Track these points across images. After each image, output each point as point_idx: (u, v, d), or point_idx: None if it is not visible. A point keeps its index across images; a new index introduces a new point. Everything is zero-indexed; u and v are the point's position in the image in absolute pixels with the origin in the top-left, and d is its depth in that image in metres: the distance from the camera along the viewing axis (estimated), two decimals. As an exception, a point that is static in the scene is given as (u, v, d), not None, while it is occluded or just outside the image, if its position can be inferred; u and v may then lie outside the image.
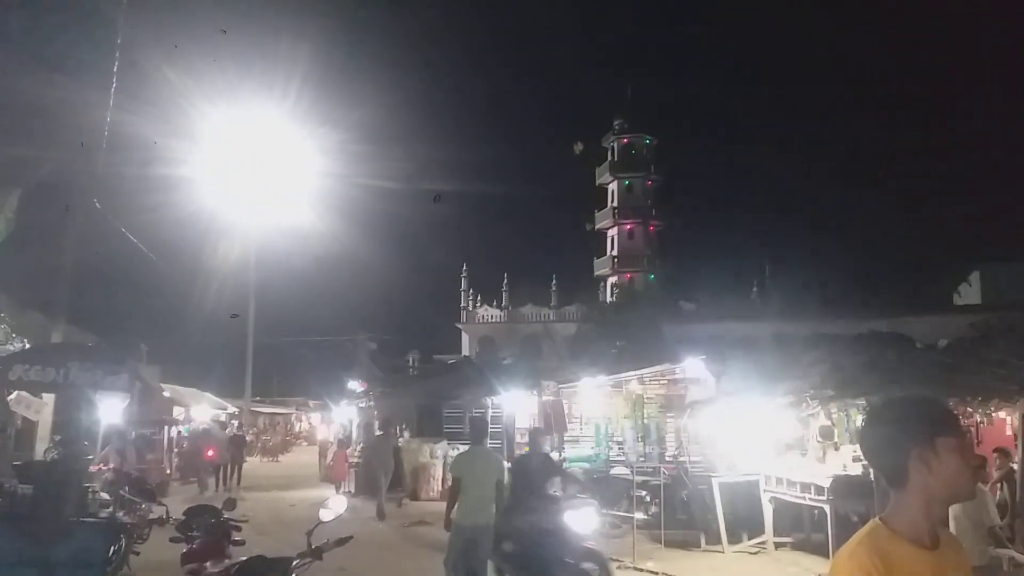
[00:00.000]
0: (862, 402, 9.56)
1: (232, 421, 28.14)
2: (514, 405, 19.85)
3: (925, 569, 2.13)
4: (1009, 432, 12.04)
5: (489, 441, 9.21)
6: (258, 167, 29.74)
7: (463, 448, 10.26)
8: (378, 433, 18.24)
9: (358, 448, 22.91)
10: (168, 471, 21.66)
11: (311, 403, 46.09)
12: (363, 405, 25.93)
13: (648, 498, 13.27)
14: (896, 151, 78.50)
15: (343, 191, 32.35)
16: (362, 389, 28.35)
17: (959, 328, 13.66)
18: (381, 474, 16.05)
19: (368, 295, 56.33)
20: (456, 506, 7.54)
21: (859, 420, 10.44)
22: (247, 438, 27.44)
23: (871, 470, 9.83)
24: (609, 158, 59.00)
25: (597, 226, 59.58)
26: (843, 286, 34.45)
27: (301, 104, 30.06)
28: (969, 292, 29.57)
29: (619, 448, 16.96)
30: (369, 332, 44.57)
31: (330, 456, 23.61)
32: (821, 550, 10.97)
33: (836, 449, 11.58)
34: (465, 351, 53.65)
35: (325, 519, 5.35)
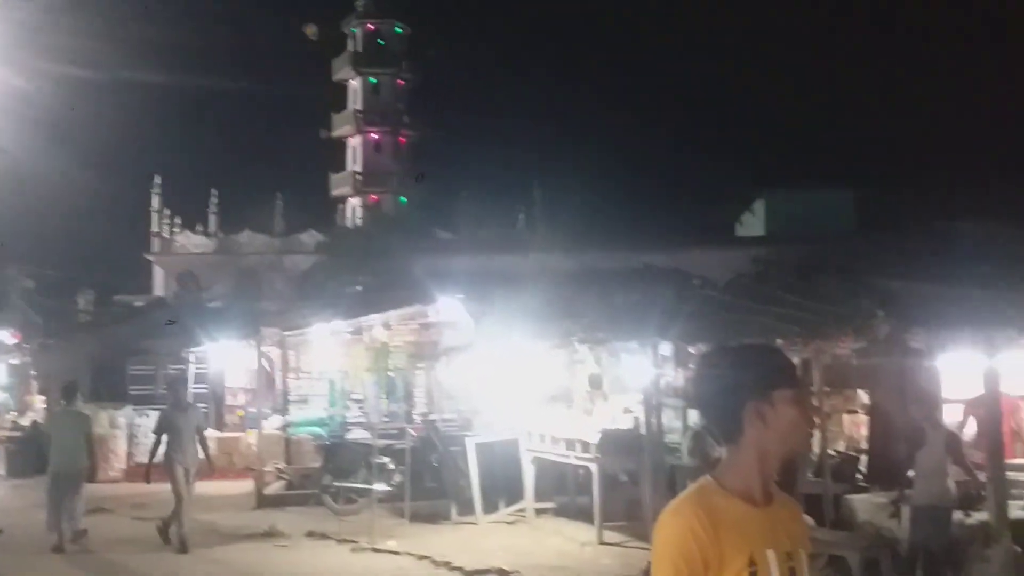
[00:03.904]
0: (634, 345, 10.38)
1: None
2: (225, 359, 19.39)
3: (754, 526, 2.41)
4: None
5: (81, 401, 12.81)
6: None
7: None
8: (166, 405, 12.76)
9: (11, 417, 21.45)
10: None
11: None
12: (16, 361, 24.22)
13: (392, 466, 13.61)
14: (679, 71, 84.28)
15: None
16: (15, 341, 26.29)
17: (741, 262, 15.16)
18: (180, 471, 11.41)
19: (22, 215, 51.62)
20: (50, 455, 11.59)
21: (631, 366, 11.34)
22: None
23: (642, 425, 10.77)
24: (350, 48, 58.03)
25: (335, 133, 58.71)
26: (620, 216, 36.81)
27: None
28: (752, 222, 32.70)
29: (359, 408, 17.20)
30: (23, 265, 40.95)
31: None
32: (586, 515, 11.89)
33: (605, 400, 12.51)
34: (158, 291, 51.20)
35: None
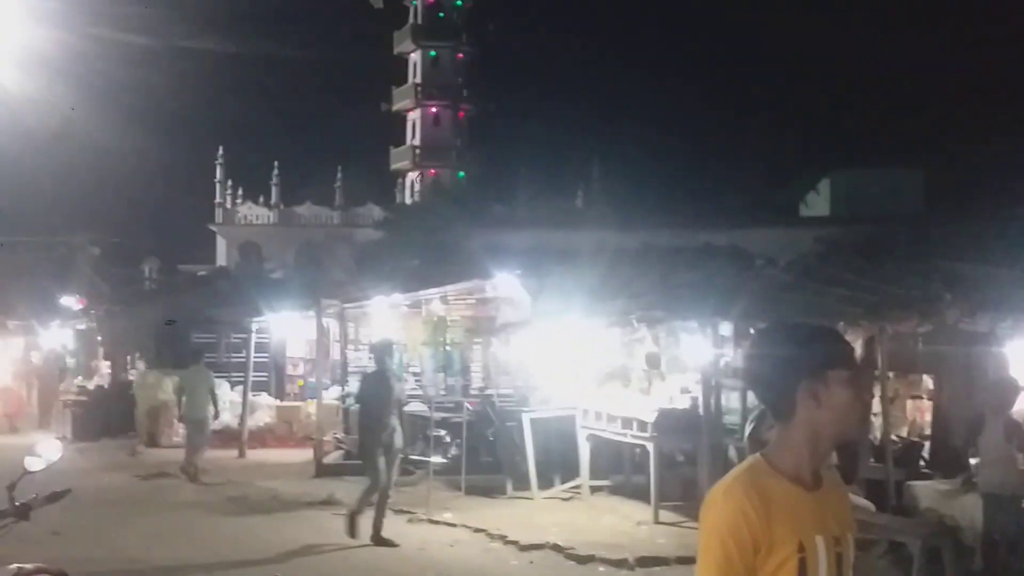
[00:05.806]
0: (693, 325, 10.31)
1: None
2: (286, 329, 19.68)
3: (804, 510, 2.37)
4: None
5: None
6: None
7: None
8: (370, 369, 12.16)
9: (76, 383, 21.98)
10: None
11: (10, 324, 43.06)
12: (83, 327, 24.78)
13: (448, 439, 13.72)
14: (746, 45, 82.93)
15: (63, 43, 29.68)
16: (81, 307, 26.94)
17: (804, 242, 14.97)
18: (379, 453, 10.09)
19: (91, 185, 52.70)
20: (183, 406, 14.56)
21: (689, 346, 11.26)
22: None
23: (699, 405, 10.71)
24: (411, 20, 58.13)
25: (395, 107, 58.95)
26: (681, 193, 36.42)
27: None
28: (817, 202, 32.18)
29: (416, 380, 17.34)
30: (91, 233, 41.95)
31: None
32: (641, 494, 11.86)
33: (663, 379, 12.45)
34: (221, 260, 52.13)
35: (33, 468, 5.13)
